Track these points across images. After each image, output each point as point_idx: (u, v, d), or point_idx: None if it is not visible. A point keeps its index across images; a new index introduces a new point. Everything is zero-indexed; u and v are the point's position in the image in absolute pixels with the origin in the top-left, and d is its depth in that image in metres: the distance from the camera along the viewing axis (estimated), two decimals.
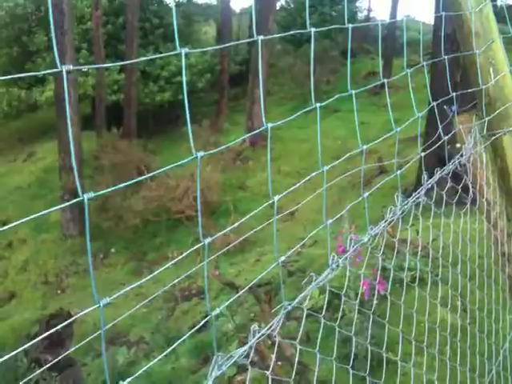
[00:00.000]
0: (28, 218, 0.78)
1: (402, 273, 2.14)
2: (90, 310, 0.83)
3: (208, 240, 0.98)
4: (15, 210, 16.27)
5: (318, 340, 1.40)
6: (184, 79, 1.02)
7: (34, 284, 14.21)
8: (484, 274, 2.31)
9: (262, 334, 1.08)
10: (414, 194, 1.68)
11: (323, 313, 1.35)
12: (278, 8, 24.06)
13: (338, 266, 1.31)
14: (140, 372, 0.94)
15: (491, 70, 2.12)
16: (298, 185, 1.26)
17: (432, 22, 14.14)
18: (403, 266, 2.87)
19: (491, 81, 2.11)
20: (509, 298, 2.38)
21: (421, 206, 1.77)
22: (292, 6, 27.87)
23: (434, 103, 1.90)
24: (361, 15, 30.15)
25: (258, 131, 1.14)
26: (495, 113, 2.11)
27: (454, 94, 2.06)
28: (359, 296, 2.63)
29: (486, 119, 2.12)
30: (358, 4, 29.41)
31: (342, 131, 17.22)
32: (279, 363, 3.82)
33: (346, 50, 23.81)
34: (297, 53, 23.73)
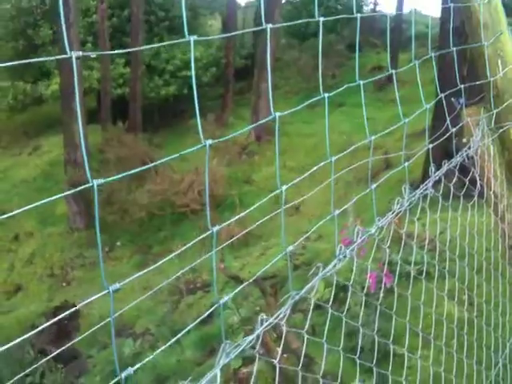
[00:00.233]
0: (34, 205, 0.78)
1: (409, 266, 2.13)
2: (99, 295, 0.83)
3: (216, 228, 0.98)
4: (21, 203, 16.31)
5: (326, 330, 1.40)
6: (193, 66, 1.02)
7: (40, 277, 14.28)
8: (491, 267, 2.31)
9: (270, 324, 1.08)
10: (421, 186, 1.67)
11: (327, 302, 1.34)
12: (283, 1, 23.97)
13: (345, 256, 1.30)
14: (147, 360, 0.95)
15: (499, 62, 2.11)
16: (306, 174, 1.26)
17: (438, 16, 14.06)
18: (409, 259, 2.87)
19: (499, 73, 2.09)
20: None
21: (428, 198, 1.76)
22: None
23: (442, 95, 1.89)
24: (366, 9, 29.99)
25: (265, 120, 1.13)
26: (503, 105, 2.10)
27: (462, 86, 2.05)
28: (365, 289, 2.62)
29: (494, 112, 2.11)
30: None
31: (347, 126, 17.16)
32: (285, 355, 3.83)
33: (351, 43, 23.73)
34: (302, 47, 23.65)
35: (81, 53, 0.76)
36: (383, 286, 2.45)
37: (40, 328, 1.11)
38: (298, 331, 1.28)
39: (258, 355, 1.18)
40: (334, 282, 1.34)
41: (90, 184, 0.80)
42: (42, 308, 10.65)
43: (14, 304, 12.83)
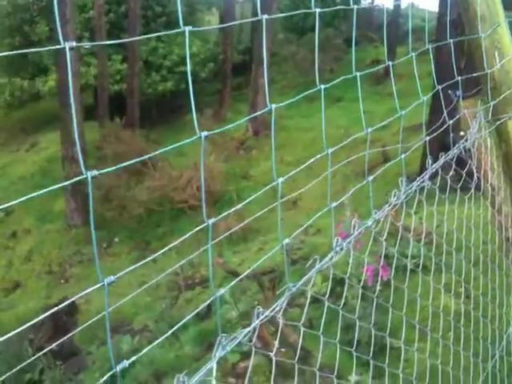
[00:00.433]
0: (30, 196, 0.77)
1: (406, 260, 2.13)
2: (94, 288, 0.83)
3: (211, 220, 0.97)
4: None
5: (322, 322, 1.40)
6: (188, 58, 1.01)
7: (38, 274, 14.28)
8: (488, 260, 2.31)
9: (266, 316, 1.08)
10: (418, 179, 1.67)
11: (327, 295, 1.34)
12: None
13: (341, 248, 1.30)
14: (143, 352, 0.94)
15: (497, 54, 2.10)
16: (303, 166, 1.25)
17: (436, 10, 14.05)
18: (406, 252, 2.87)
19: (497, 65, 2.09)
20: None
21: (425, 190, 1.76)
22: None
23: (439, 87, 1.88)
24: (364, 3, 29.95)
25: (261, 112, 1.13)
26: (500, 97, 2.10)
27: (459, 78, 2.04)
28: (362, 282, 2.63)
29: (491, 104, 2.10)
30: None
31: (345, 120, 17.16)
32: (282, 350, 3.83)
33: (349, 38, 23.70)
34: (300, 41, 23.61)
35: (74, 43, 0.75)
36: (380, 279, 2.45)
37: (38, 319, 1.11)
38: (295, 324, 1.27)
39: (254, 348, 1.18)
40: (331, 275, 1.34)
41: (84, 176, 0.79)
42: (41, 305, 10.64)
43: (12, 301, 12.84)
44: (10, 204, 0.80)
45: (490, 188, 2.20)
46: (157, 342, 0.95)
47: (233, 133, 18.64)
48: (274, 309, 1.11)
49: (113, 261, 13.75)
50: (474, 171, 2.12)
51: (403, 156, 1.62)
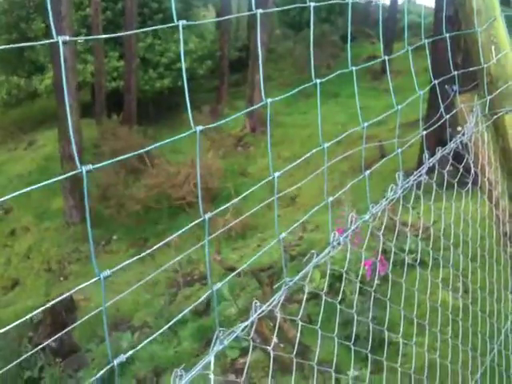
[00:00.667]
0: (25, 190, 0.77)
1: (403, 254, 2.14)
2: (91, 282, 0.83)
3: (208, 215, 0.97)
4: (18, 198, 16.28)
5: (320, 317, 1.40)
6: (182, 52, 1.01)
7: (37, 271, 14.27)
8: (486, 254, 2.31)
9: (263, 310, 1.08)
10: (415, 173, 1.67)
11: (324, 289, 1.35)
12: None
13: (339, 243, 1.30)
14: (141, 346, 0.94)
15: (493, 48, 2.10)
16: (299, 161, 1.25)
17: (433, 6, 14.05)
18: (404, 248, 2.87)
19: (493, 59, 2.09)
20: (510, 277, 2.38)
21: (422, 185, 1.76)
22: None
23: (436, 81, 1.88)
24: None
25: (257, 106, 1.13)
26: (497, 92, 2.10)
27: (456, 72, 2.04)
28: (359, 276, 2.63)
29: (488, 98, 2.10)
30: None
31: (342, 117, 17.16)
32: (281, 345, 3.84)
33: (345, 34, 23.65)
34: (296, 37, 23.58)
35: (68, 37, 0.75)
36: (377, 273, 2.45)
37: (36, 312, 1.11)
38: (293, 318, 1.28)
39: (252, 342, 1.18)
40: (328, 270, 1.34)
41: (79, 170, 0.79)
42: (40, 302, 10.64)
43: (11, 299, 12.83)
44: (3, 199, 0.80)
45: (487, 182, 2.20)
46: (152, 337, 0.95)
47: (230, 130, 18.63)
48: (272, 303, 1.11)
49: (111, 258, 13.74)
50: (471, 166, 2.13)
51: (400, 150, 1.62)
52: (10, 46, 0.78)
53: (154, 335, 0.98)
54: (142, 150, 0.97)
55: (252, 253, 9.55)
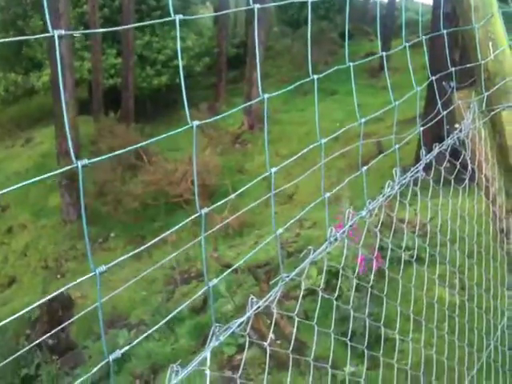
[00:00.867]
0: (21, 184, 0.77)
1: (401, 251, 2.14)
2: (86, 277, 0.82)
3: (204, 210, 0.97)
4: (14, 196, 16.25)
5: (316, 313, 1.40)
6: (179, 45, 1.01)
7: (33, 269, 14.25)
8: (482, 251, 2.31)
9: (260, 306, 1.08)
10: (412, 169, 1.67)
11: (321, 285, 1.34)
12: None
13: (335, 239, 1.30)
14: (135, 343, 0.94)
15: (490, 44, 2.10)
16: (295, 157, 1.25)
17: (431, 3, 14.05)
18: (401, 245, 2.88)
19: (490, 55, 2.08)
20: (507, 274, 2.38)
21: (419, 182, 1.76)
22: None
23: (433, 77, 1.88)
24: None
25: (254, 101, 1.13)
26: (494, 88, 2.10)
27: (453, 69, 2.04)
28: (356, 273, 2.63)
29: (485, 94, 2.10)
30: None
31: (340, 114, 17.16)
32: (278, 342, 3.84)
33: (344, 31, 23.64)
34: (294, 35, 23.56)
35: (63, 31, 0.74)
36: (374, 268, 2.46)
37: (29, 308, 1.11)
38: (289, 314, 1.27)
39: (248, 337, 1.18)
40: (325, 266, 1.34)
41: (75, 165, 0.79)
42: (37, 300, 10.62)
43: (8, 296, 12.82)
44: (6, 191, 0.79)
45: (484, 179, 2.20)
46: (147, 333, 0.94)
47: (228, 127, 18.61)
48: (268, 299, 1.11)
49: (108, 255, 13.73)
50: (468, 162, 2.13)
51: (397, 147, 1.61)
52: (5, 40, 0.78)
53: (150, 331, 0.98)
54: (136, 146, 0.96)
55: (249, 250, 9.56)
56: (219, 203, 1.17)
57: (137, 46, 19.90)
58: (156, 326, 1.17)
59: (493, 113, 2.13)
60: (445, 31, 2.01)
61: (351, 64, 1.38)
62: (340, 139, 12.34)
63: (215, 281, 0.99)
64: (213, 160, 15.16)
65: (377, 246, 1.84)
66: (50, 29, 0.74)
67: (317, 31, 21.35)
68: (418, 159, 1.82)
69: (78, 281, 0.85)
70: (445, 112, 1.93)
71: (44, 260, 14.42)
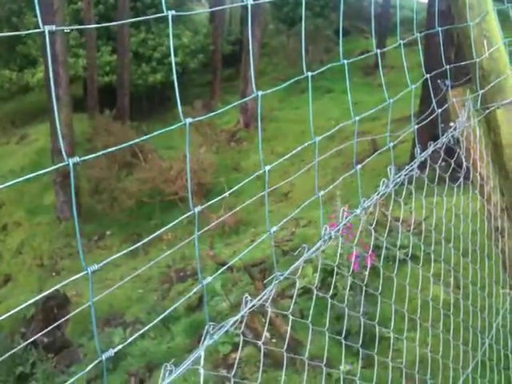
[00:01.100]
0: (13, 182, 0.76)
1: (395, 249, 2.14)
2: (79, 276, 0.82)
3: (198, 209, 0.96)
4: (9, 193, 16.20)
5: (311, 312, 1.40)
6: (171, 43, 1.00)
7: (29, 267, 14.20)
8: (477, 249, 2.31)
9: (254, 305, 1.07)
10: (406, 167, 1.66)
11: (316, 284, 1.34)
12: None
13: (330, 237, 1.30)
14: (128, 342, 0.94)
15: (485, 42, 2.09)
16: (289, 155, 1.24)
17: (426, 1, 14.06)
18: (396, 243, 2.88)
19: (485, 53, 2.08)
20: (502, 272, 2.39)
21: (414, 180, 1.76)
22: None
23: (428, 75, 1.88)
24: None
25: (248, 98, 1.12)
26: (489, 86, 2.09)
27: (448, 66, 2.04)
28: (351, 271, 2.63)
29: (480, 92, 2.10)
30: None
31: (336, 112, 17.17)
32: (274, 340, 3.84)
33: (339, 29, 23.61)
34: (290, 32, 23.54)
35: (54, 27, 0.73)
36: (368, 265, 2.45)
37: (22, 306, 1.10)
38: (284, 313, 1.27)
39: (243, 336, 1.17)
40: (319, 264, 1.33)
41: (66, 163, 0.78)
42: (32, 298, 10.59)
43: (3, 294, 12.77)
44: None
45: (478, 177, 2.20)
46: (141, 331, 0.94)
47: (223, 125, 18.59)
48: (262, 297, 1.10)
49: (104, 254, 13.70)
50: (463, 160, 2.12)
51: (391, 145, 1.61)
52: (6, 34, 0.77)
53: (143, 329, 0.97)
54: (129, 143, 0.96)
55: (245, 248, 9.55)
56: (212, 201, 1.17)
57: (132, 43, 19.86)
58: (150, 325, 1.16)
59: (488, 111, 2.13)
60: (439, 29, 2.01)
61: (345, 62, 1.38)
62: (336, 138, 12.35)
63: (209, 279, 0.98)
64: (208, 158, 15.15)
65: (371, 245, 1.84)
66: (40, 24, 0.74)
67: (312, 29, 21.34)
68: (413, 157, 1.82)
69: (71, 279, 0.85)
70: (439, 110, 1.92)
71: (39, 258, 14.38)
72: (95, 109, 19.00)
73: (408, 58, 2.08)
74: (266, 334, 3.89)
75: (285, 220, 1.30)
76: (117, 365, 5.78)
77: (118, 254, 0.92)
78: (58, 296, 8.53)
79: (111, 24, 0.92)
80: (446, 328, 2.17)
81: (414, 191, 1.78)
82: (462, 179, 2.15)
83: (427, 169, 1.90)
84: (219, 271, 1.17)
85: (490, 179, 2.23)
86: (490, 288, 2.37)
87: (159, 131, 0.97)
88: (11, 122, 21.75)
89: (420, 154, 1.73)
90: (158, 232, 1.04)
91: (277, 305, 4.44)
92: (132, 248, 1.06)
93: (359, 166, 1.45)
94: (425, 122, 2.16)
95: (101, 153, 0.87)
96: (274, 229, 1.16)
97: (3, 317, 0.94)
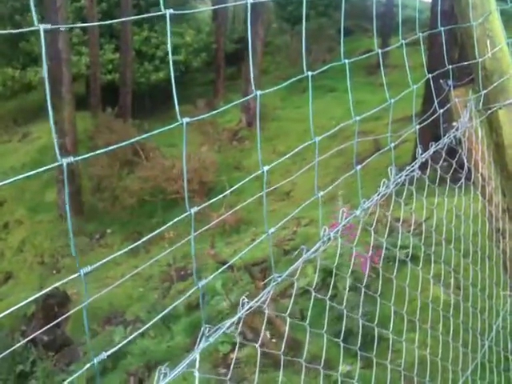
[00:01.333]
0: (11, 180, 0.75)
1: (395, 250, 2.12)
2: (71, 277, 0.81)
3: (194, 210, 0.95)
4: (11, 191, 16.22)
5: (309, 314, 1.39)
6: (169, 42, 0.99)
7: (30, 265, 14.22)
8: (478, 250, 2.30)
9: (251, 307, 1.06)
10: (407, 168, 1.65)
11: (314, 285, 1.33)
12: None
13: (329, 238, 1.28)
14: (124, 342, 0.93)
15: (488, 42, 2.08)
16: (288, 155, 1.23)
17: (429, 0, 14.03)
18: (397, 244, 2.86)
19: (488, 53, 2.07)
20: (503, 274, 2.37)
21: (415, 181, 1.74)
22: None
23: (429, 75, 1.86)
24: None
25: (246, 98, 1.11)
26: (492, 86, 2.08)
27: (450, 66, 2.02)
28: (350, 272, 2.61)
29: (483, 93, 2.08)
30: None
31: (338, 111, 17.14)
32: (274, 340, 3.83)
33: (343, 27, 23.54)
34: (293, 31, 23.52)
35: (49, 26, 0.72)
36: (367, 266, 2.44)
37: (26, 302, 1.09)
38: (281, 315, 1.26)
39: (243, 336, 1.16)
40: (318, 265, 1.32)
41: (60, 162, 0.77)
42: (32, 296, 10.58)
43: (4, 292, 12.78)
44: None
45: (480, 178, 2.19)
46: (139, 331, 0.92)
47: (225, 124, 18.58)
48: (260, 299, 1.09)
49: (105, 252, 13.71)
50: (465, 161, 2.11)
51: (392, 145, 1.60)
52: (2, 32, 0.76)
53: (142, 329, 0.96)
54: (127, 142, 0.94)
55: (245, 247, 9.54)
56: (210, 202, 1.16)
57: (135, 41, 19.85)
58: (148, 324, 1.15)
59: (490, 111, 2.11)
60: (442, 29, 1.99)
61: (346, 61, 1.36)
62: (338, 137, 12.32)
63: (205, 281, 0.97)
64: (210, 157, 15.14)
65: (371, 246, 1.83)
66: (34, 21, 0.72)
67: (315, 28, 21.31)
68: (415, 157, 1.80)
69: (64, 281, 0.83)
70: (441, 110, 1.91)
71: (40, 256, 14.39)
72: (98, 107, 19.00)
73: (412, 58, 2.07)
74: (266, 334, 3.88)
75: (284, 221, 1.28)
76: (116, 364, 5.78)
77: (115, 254, 0.91)
78: (58, 294, 8.53)
79: (111, 22, 0.91)
80: (446, 329, 2.16)
81: (414, 192, 1.76)
82: (463, 180, 2.14)
83: (428, 169, 1.89)
84: (217, 271, 1.16)
85: (492, 180, 2.21)
86: (490, 289, 2.36)
87: (156, 130, 0.96)
88: (13, 120, 21.75)
89: (421, 154, 1.72)
90: (155, 232, 1.03)
91: (277, 304, 4.44)
92: (131, 247, 1.05)
93: (359, 167, 1.43)
94: (427, 122, 2.15)
95: (96, 152, 0.86)
96: (272, 230, 1.15)
97: (2, 314, 0.93)
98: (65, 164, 0.76)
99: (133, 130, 17.17)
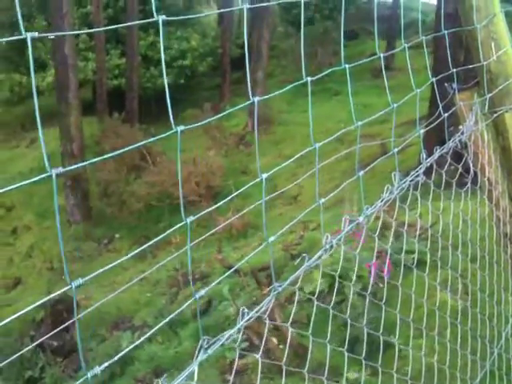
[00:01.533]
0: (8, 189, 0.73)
1: (404, 256, 2.09)
2: (63, 290, 0.79)
3: (190, 219, 0.93)
4: (19, 196, 16.29)
5: (312, 321, 1.37)
6: (162, 47, 0.98)
7: (39, 270, 14.26)
8: (486, 255, 2.27)
9: (251, 317, 1.04)
10: (412, 173, 1.63)
11: (320, 291, 1.31)
12: None
13: (331, 246, 1.26)
14: (125, 351, 0.91)
15: (493, 45, 2.05)
16: (288, 162, 1.21)
17: (435, 3, 13.99)
18: (405, 249, 2.83)
19: (493, 56, 2.04)
20: (511, 279, 2.34)
21: (420, 186, 1.72)
22: None
23: (434, 79, 1.84)
24: None
25: (244, 105, 1.09)
26: (497, 89, 2.05)
27: (455, 70, 2.00)
28: (354, 280, 2.58)
29: (488, 96, 2.06)
30: None
31: (344, 114, 17.11)
32: (280, 347, 3.80)
33: (347, 31, 23.57)
34: (298, 35, 23.51)
35: (36, 34, 0.71)
36: (373, 275, 2.42)
37: (32, 307, 1.08)
38: (284, 325, 1.24)
39: (243, 346, 1.14)
40: (320, 273, 1.30)
41: (49, 173, 0.75)
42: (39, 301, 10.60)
43: (13, 297, 12.82)
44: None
45: (487, 182, 2.16)
46: (145, 336, 0.91)
47: (232, 128, 18.59)
48: (260, 309, 1.07)
49: (113, 257, 13.72)
50: (471, 165, 2.08)
51: (395, 150, 1.57)
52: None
53: (147, 334, 0.95)
54: (130, 147, 0.93)
55: (252, 252, 9.50)
56: (204, 212, 1.14)
57: (141, 46, 19.93)
58: (153, 329, 1.14)
59: (496, 115, 2.08)
60: (446, 32, 1.97)
61: (347, 66, 1.35)
62: (344, 141, 12.29)
63: (202, 292, 0.95)
64: (217, 161, 15.14)
65: (375, 252, 1.80)
66: (22, 30, 0.71)
67: (321, 31, 21.30)
68: (420, 162, 1.78)
69: (56, 294, 0.82)
70: (446, 114, 1.88)
71: (49, 261, 14.44)
72: (104, 112, 19.08)
73: (417, 61, 2.04)
74: (273, 340, 3.86)
75: (286, 228, 1.27)
76: (124, 369, 5.77)
77: (104, 269, 0.89)
78: (66, 300, 8.53)
79: (112, 27, 0.89)
80: (454, 336, 2.13)
81: (419, 197, 1.74)
82: (469, 184, 2.11)
83: (433, 174, 1.86)
84: (219, 279, 1.14)
85: (499, 184, 2.18)
86: (498, 295, 2.32)
87: (153, 138, 0.95)
88: (21, 126, 21.87)
89: (426, 159, 1.69)
90: (158, 238, 1.02)
91: (284, 310, 4.41)
92: (135, 252, 1.04)
93: (361, 173, 1.41)
94: (432, 126, 2.12)
95: (93, 160, 0.84)
96: (272, 239, 1.13)
97: (9, 319, 0.92)
98: (54, 175, 0.75)
99: (140, 134, 17.21)
